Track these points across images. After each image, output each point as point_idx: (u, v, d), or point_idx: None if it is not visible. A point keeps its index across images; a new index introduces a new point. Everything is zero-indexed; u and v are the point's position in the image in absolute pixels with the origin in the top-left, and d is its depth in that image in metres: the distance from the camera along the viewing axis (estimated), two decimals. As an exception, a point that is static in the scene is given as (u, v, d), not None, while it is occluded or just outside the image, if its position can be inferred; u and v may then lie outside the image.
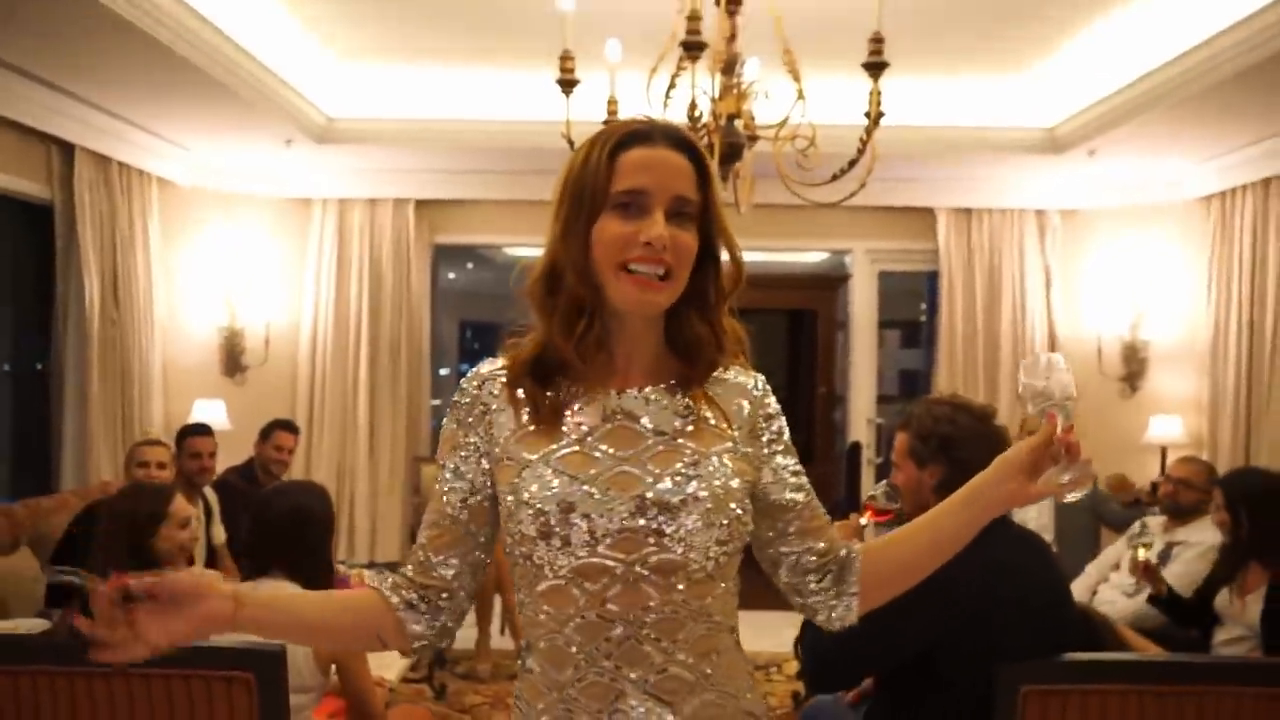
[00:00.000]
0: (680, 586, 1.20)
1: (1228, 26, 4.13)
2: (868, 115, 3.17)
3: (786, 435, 1.37)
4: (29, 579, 3.45)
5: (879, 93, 3.13)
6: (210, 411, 5.93)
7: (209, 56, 4.38)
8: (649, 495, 1.21)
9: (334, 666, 2.26)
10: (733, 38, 3.20)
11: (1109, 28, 4.61)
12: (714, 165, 1.35)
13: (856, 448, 6.68)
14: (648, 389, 1.29)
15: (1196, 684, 1.79)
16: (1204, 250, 6.08)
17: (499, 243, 7.21)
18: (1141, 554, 3.46)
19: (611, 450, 1.24)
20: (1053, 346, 6.49)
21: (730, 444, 1.29)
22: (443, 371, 10.07)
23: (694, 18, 2.85)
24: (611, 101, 3.40)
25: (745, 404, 1.34)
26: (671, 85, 3.24)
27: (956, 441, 2.23)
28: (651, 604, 1.20)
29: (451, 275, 11.00)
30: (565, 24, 3.14)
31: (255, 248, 6.50)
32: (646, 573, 1.19)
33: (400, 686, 3.44)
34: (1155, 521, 3.81)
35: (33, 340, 5.28)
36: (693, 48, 2.88)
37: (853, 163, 3.16)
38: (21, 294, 5.23)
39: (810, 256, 7.64)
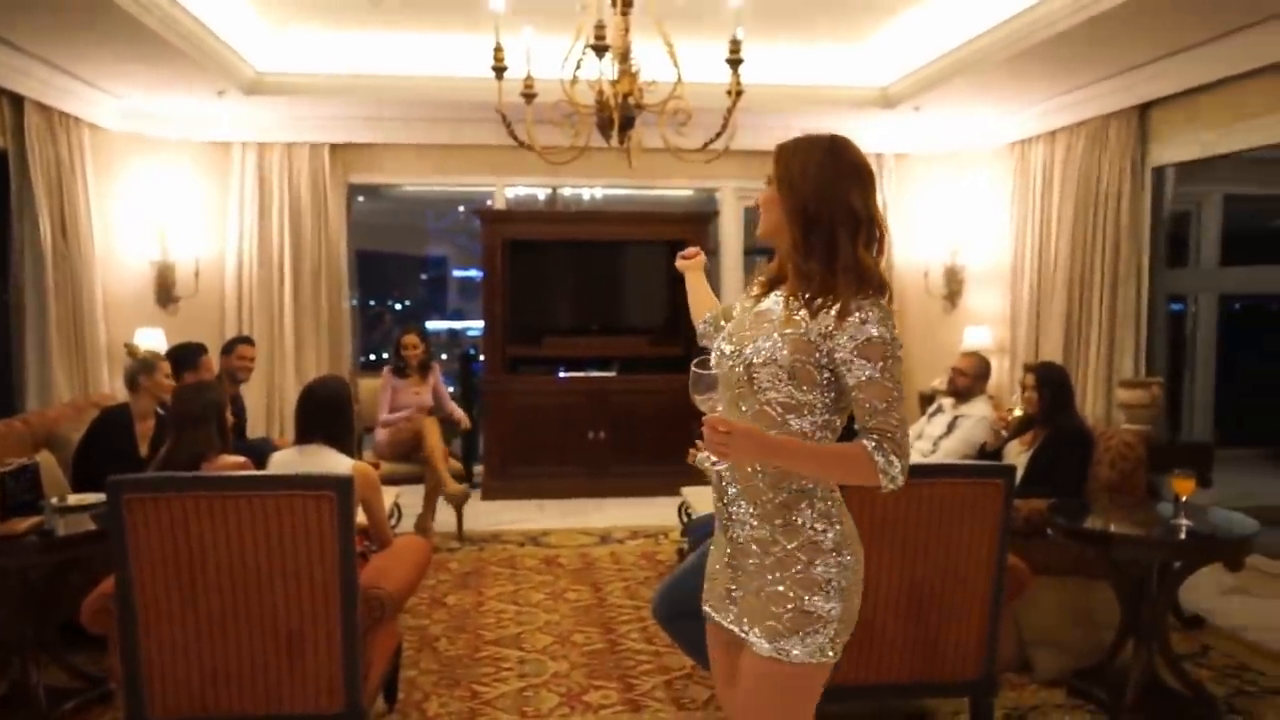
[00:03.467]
0: None
1: (1027, 7, 5.13)
2: (729, 93, 4.15)
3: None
4: (52, 468, 4.22)
5: (739, 79, 4.10)
6: (150, 338, 6.57)
7: (156, 17, 4.94)
8: (745, 352, 1.89)
9: (361, 504, 3.16)
10: (626, 31, 4.11)
11: (931, 5, 5.64)
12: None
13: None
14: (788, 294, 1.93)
15: (928, 479, 2.94)
16: (1007, 189, 7.34)
17: (407, 182, 7.92)
18: (1018, 411, 4.60)
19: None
20: (889, 271, 7.72)
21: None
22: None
23: (600, 26, 3.74)
24: (528, 80, 4.23)
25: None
26: (577, 68, 4.13)
27: None
28: None
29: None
30: (496, 21, 3.96)
31: (181, 188, 7.07)
32: None
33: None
34: (948, 401, 5.02)
35: (-8, 276, 5.80)
36: (599, 50, 3.78)
37: (718, 134, 4.13)
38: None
39: (684, 193, 8.62)
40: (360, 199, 12.09)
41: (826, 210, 1.86)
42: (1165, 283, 6.42)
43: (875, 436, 1.79)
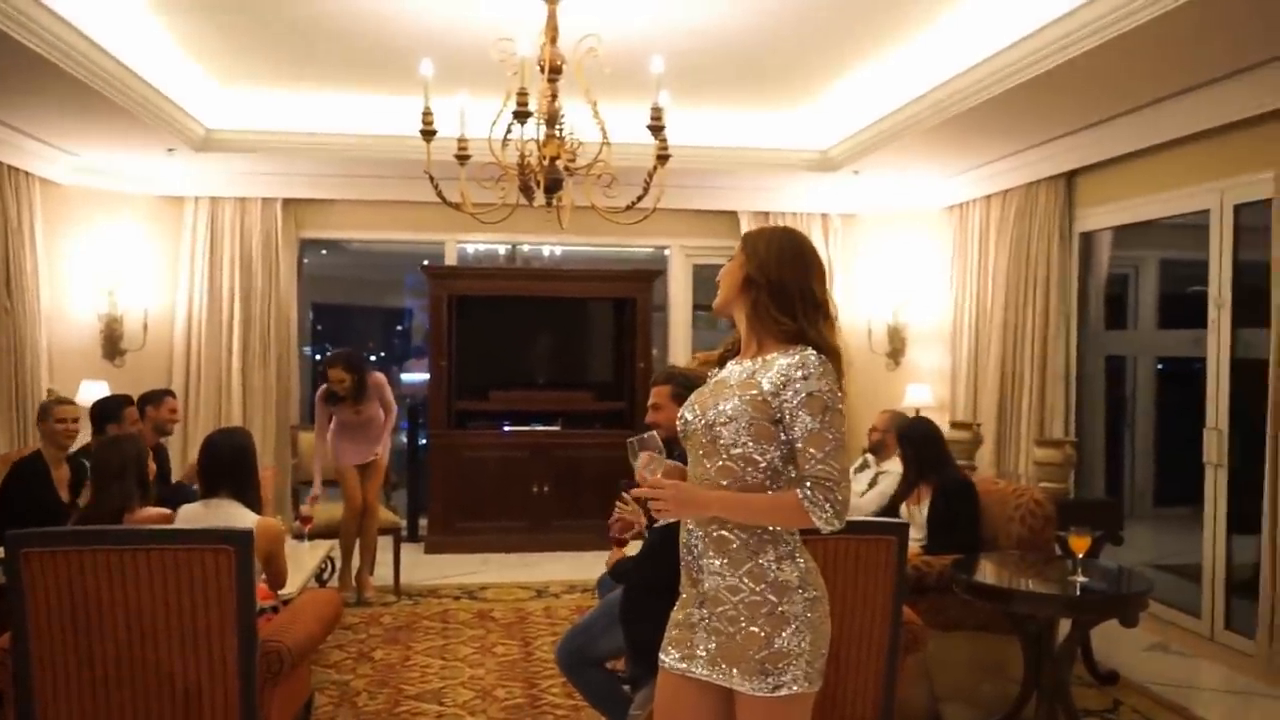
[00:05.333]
0: None
1: (956, 74, 5.31)
2: (655, 157, 4.28)
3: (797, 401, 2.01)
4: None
5: (664, 143, 4.23)
6: (95, 391, 6.56)
7: (107, 81, 5.04)
8: (708, 415, 2.08)
9: (265, 558, 3.19)
10: (554, 97, 4.25)
11: (866, 76, 5.84)
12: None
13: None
14: (745, 360, 2.13)
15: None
16: (948, 250, 7.53)
17: (358, 237, 8.01)
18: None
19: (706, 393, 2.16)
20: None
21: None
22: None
23: (523, 93, 3.87)
24: (461, 140, 4.35)
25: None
26: (507, 132, 4.25)
27: None
28: None
29: (305, 260, 11.64)
30: (426, 85, 4.09)
31: (132, 242, 7.14)
32: None
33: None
34: (871, 458, 5.13)
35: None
36: (523, 116, 3.90)
37: (640, 197, 4.26)
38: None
39: (646, 251, 8.79)
40: (324, 252, 12.18)
41: (789, 286, 2.09)
42: (1102, 344, 6.59)
43: (810, 483, 1.99)
